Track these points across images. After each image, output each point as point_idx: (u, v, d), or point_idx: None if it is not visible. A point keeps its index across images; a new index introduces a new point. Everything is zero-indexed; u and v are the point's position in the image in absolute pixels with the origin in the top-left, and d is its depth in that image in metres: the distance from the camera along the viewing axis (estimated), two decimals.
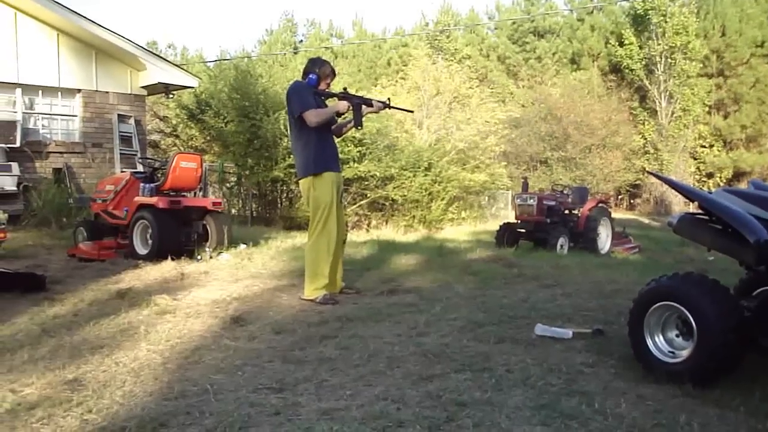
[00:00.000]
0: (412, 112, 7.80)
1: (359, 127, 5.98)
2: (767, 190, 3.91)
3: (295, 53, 40.60)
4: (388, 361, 3.68)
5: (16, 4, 12.46)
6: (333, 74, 5.83)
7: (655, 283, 3.62)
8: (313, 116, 5.49)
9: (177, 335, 4.37)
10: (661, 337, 3.58)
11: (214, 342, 4.19)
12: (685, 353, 3.42)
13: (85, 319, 4.87)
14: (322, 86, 5.72)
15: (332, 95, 5.75)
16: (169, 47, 47.41)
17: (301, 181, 5.75)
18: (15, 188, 11.75)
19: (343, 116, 5.92)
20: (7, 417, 2.98)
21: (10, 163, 11.81)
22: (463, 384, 3.29)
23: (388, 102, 5.93)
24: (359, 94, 6.24)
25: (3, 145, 11.95)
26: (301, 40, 45.98)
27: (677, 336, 3.55)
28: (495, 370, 3.52)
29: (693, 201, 3.84)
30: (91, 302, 5.54)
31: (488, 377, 3.41)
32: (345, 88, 5.85)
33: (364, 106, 5.75)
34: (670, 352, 3.54)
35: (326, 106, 5.83)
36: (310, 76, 5.69)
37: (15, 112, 12.78)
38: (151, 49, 20.12)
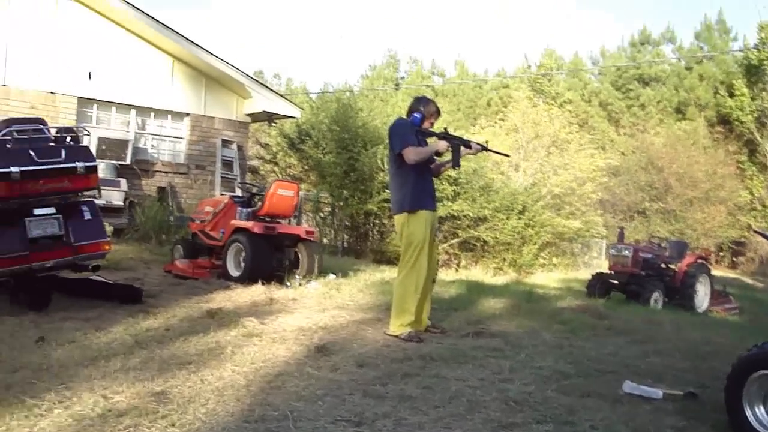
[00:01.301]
0: (508, 156, 7.79)
1: (457, 167, 6.02)
2: None
3: (396, 89, 41.12)
4: (469, 405, 3.63)
5: (137, 31, 13.19)
6: (437, 113, 5.88)
7: (758, 349, 3.44)
8: (412, 154, 5.53)
9: (262, 359, 4.45)
10: (762, 409, 3.39)
11: (297, 369, 4.24)
12: None
13: (175, 335, 5.04)
14: (426, 125, 5.76)
15: (433, 134, 5.78)
16: (275, 77, 48.94)
17: (396, 217, 5.80)
18: (121, 203, 12.34)
19: (441, 155, 5.95)
20: (97, 421, 3.12)
21: (119, 179, 12.43)
22: None
23: (485, 144, 5.95)
24: (458, 133, 6.26)
25: (114, 162, 12.59)
26: (403, 77, 46.55)
27: None
28: (578, 425, 3.41)
29: None
30: (183, 318, 5.73)
31: (571, 431, 3.31)
32: (445, 129, 5.89)
33: (462, 147, 5.77)
34: None
35: (426, 144, 5.88)
36: (415, 114, 5.75)
37: (128, 132, 13.48)
38: (257, 78, 20.87)
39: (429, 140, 5.90)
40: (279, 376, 4.06)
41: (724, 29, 39.16)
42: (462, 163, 14.80)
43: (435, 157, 5.85)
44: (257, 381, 3.96)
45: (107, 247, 6.43)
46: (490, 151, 6.20)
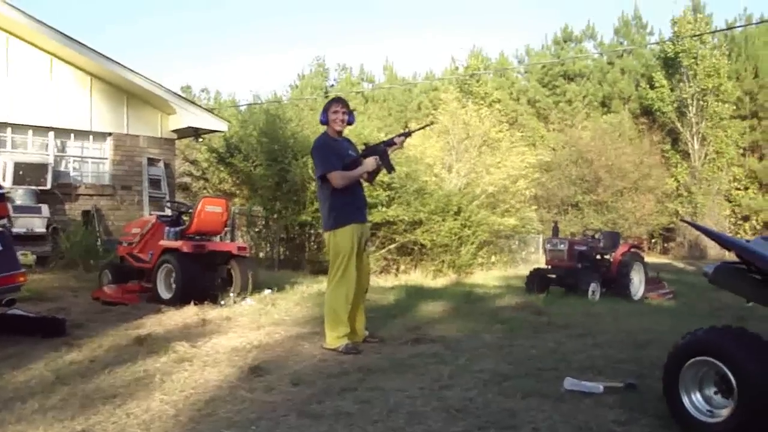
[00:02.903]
0: (431, 124, 7.75)
1: (392, 171, 5.90)
2: None
3: (326, 97, 40.99)
4: (409, 417, 3.51)
5: (53, 51, 12.71)
6: (336, 103, 5.71)
7: (691, 336, 3.41)
8: (339, 179, 5.39)
9: (192, 385, 4.25)
10: (698, 395, 3.36)
11: (229, 393, 4.06)
12: (725, 412, 3.20)
13: (101, 366, 4.78)
14: (333, 118, 5.60)
15: (354, 158, 5.58)
16: (203, 91, 48.28)
17: (325, 233, 5.67)
18: (44, 230, 11.80)
19: (378, 171, 5.81)
20: None
21: (40, 205, 11.90)
22: None
23: (408, 131, 5.88)
24: (389, 137, 6.10)
25: (34, 188, 12.06)
26: (332, 85, 46.44)
27: (716, 393, 3.33)
28: (521, 428, 3.33)
29: (730, 250, 3.65)
30: (109, 348, 5.45)
31: None
32: (365, 144, 5.78)
33: (389, 149, 5.65)
34: (708, 410, 3.31)
35: (356, 151, 5.74)
36: (321, 117, 5.70)
37: (47, 155, 12.94)
38: (182, 94, 20.42)
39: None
40: (210, 402, 3.88)
41: (641, 24, 40.44)
42: (395, 167, 14.68)
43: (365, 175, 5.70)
44: (187, 409, 3.76)
45: (22, 279, 6.07)
46: (414, 131, 6.24)
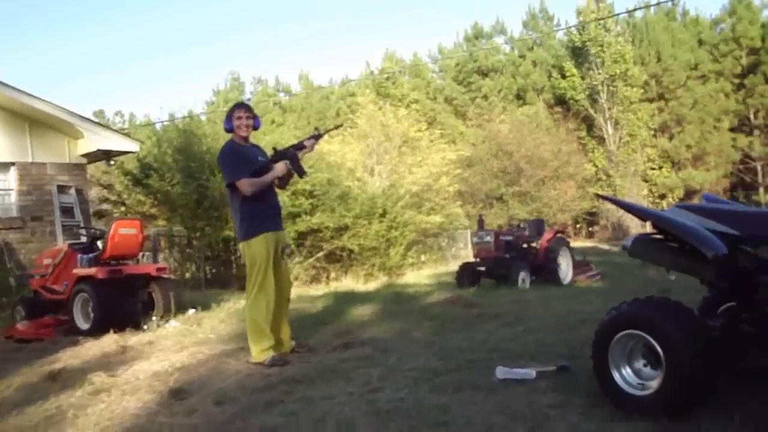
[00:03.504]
0: (341, 125, 7.55)
1: (303, 175, 5.72)
2: (720, 203, 3.74)
3: None
4: (337, 425, 3.36)
5: None
6: (238, 108, 5.54)
7: (615, 311, 3.38)
8: (248, 186, 5.19)
9: (108, 417, 3.99)
10: (628, 369, 3.33)
11: (148, 421, 3.82)
12: (654, 383, 3.17)
13: (9, 408, 4.45)
14: (237, 124, 5.41)
15: (264, 163, 5.40)
16: (117, 115, 47.04)
17: (240, 244, 5.47)
18: None
19: (290, 176, 5.62)
20: None
21: None
22: None
23: (318, 133, 5.65)
24: (299, 140, 5.88)
25: None
26: (249, 98, 45.84)
27: (645, 366, 3.31)
28: (453, 424, 3.22)
29: (646, 221, 3.63)
30: (19, 387, 5.10)
31: None
32: (274, 148, 5.59)
33: (299, 152, 5.48)
34: (639, 383, 3.29)
35: (265, 156, 5.55)
36: (225, 124, 5.51)
37: None
38: (94, 118, 19.70)
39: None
40: None
41: (548, 17, 41.37)
42: (316, 174, 14.36)
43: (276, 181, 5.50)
44: None
45: None
46: (325, 133, 5.93)
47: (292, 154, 5.42)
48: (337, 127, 6.62)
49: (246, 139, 5.48)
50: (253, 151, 5.51)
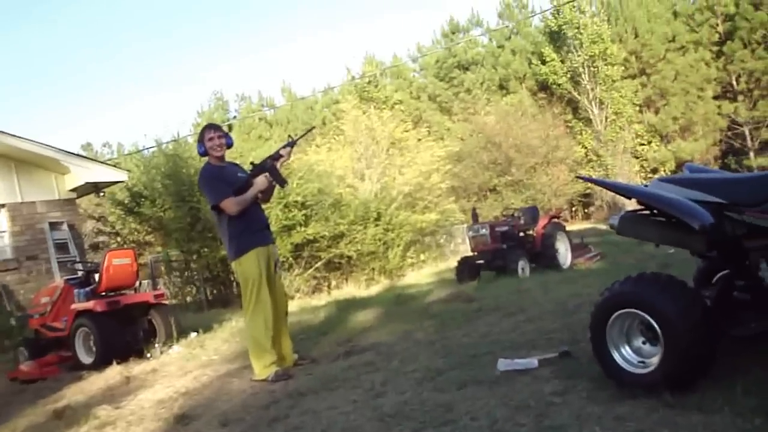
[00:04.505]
0: (313, 128, 7.46)
1: (284, 185, 5.69)
2: (703, 172, 3.74)
3: (230, 130, 40.41)
4: None
5: None
6: (209, 129, 5.53)
7: (609, 291, 3.36)
8: (233, 206, 5.18)
9: None
10: (627, 348, 3.32)
11: None
12: (655, 360, 3.16)
13: None
14: (210, 145, 5.38)
15: (243, 180, 5.35)
16: (105, 146, 46.98)
17: (232, 264, 5.46)
18: None
19: (271, 188, 5.58)
20: None
21: None
22: None
23: (292, 140, 5.54)
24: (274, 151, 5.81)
25: None
26: (235, 116, 45.82)
27: (644, 343, 3.29)
28: (458, 422, 3.20)
29: (630, 198, 3.62)
30: (25, 429, 5.10)
31: (451, 431, 3.08)
32: (252, 162, 5.56)
33: (277, 163, 5.43)
34: (640, 362, 3.27)
35: (245, 172, 5.53)
36: (198, 148, 5.50)
37: None
38: (83, 152, 19.66)
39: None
40: None
41: (522, 5, 41.32)
42: (306, 185, 14.24)
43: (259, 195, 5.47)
44: None
45: None
46: (300, 138, 5.77)
47: (270, 166, 5.38)
48: (309, 131, 6.47)
49: (221, 158, 5.47)
50: (231, 170, 5.49)
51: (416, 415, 3.41)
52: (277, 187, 5.62)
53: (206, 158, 5.54)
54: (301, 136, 5.82)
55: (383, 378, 4.34)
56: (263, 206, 5.64)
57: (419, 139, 23.74)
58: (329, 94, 42.32)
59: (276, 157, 5.42)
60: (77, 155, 14.72)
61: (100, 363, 7.40)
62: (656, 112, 34.87)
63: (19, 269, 12.77)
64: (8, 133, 12.56)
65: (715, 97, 34.29)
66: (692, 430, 2.65)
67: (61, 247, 13.35)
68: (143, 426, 4.40)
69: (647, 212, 3.51)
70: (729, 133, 33.93)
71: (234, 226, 5.23)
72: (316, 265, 15.75)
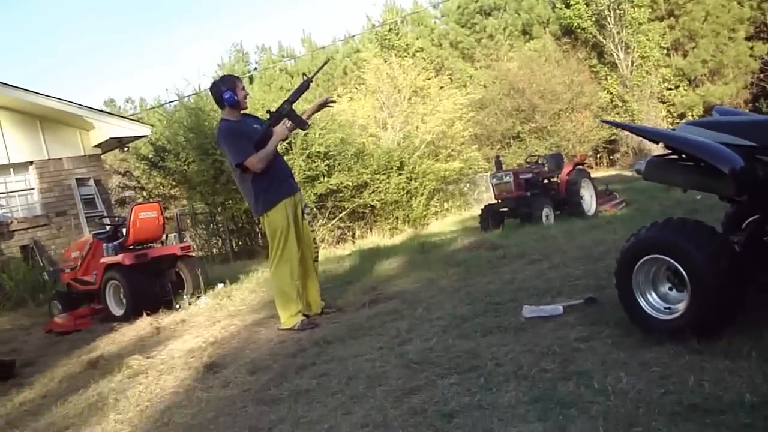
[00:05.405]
0: (328, 61, 7.25)
1: (306, 126, 5.54)
2: (733, 115, 3.65)
3: (251, 82, 40.24)
4: (368, 381, 3.38)
5: None
6: (238, 78, 5.49)
7: (635, 237, 3.33)
8: (258, 162, 5.08)
9: (147, 398, 4.06)
10: (653, 294, 3.30)
11: (185, 397, 3.89)
12: (681, 306, 3.14)
13: (53, 399, 4.57)
14: (242, 95, 5.31)
15: (266, 128, 5.25)
16: (128, 102, 47.05)
17: (258, 217, 5.45)
18: None
19: (291, 133, 5.52)
20: None
21: None
22: (450, 390, 3.00)
23: (307, 77, 5.37)
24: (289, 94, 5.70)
25: None
26: (255, 68, 45.58)
27: (670, 289, 3.28)
28: (483, 368, 3.22)
29: (657, 142, 3.56)
30: (62, 379, 5.23)
31: (476, 377, 3.11)
32: (268, 111, 5.42)
33: (293, 105, 5.35)
34: (666, 308, 3.26)
35: (260, 122, 5.46)
36: (226, 96, 5.24)
37: None
38: (106, 108, 19.68)
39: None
40: (166, 411, 3.70)
41: None
42: (328, 135, 14.10)
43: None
44: (143, 425, 3.59)
45: None
46: (315, 74, 5.60)
47: (287, 111, 5.27)
48: (324, 64, 6.20)
49: (240, 110, 5.39)
50: (248, 122, 5.38)
51: (442, 362, 3.43)
52: (301, 135, 5.56)
53: (223, 111, 5.40)
54: (317, 72, 5.66)
55: (408, 325, 4.37)
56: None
57: (441, 87, 23.44)
58: (350, 43, 41.89)
59: (292, 100, 5.31)
60: (101, 111, 14.80)
61: (131, 314, 7.55)
62: (684, 56, 34.00)
63: (49, 225, 13.01)
64: (33, 91, 12.68)
65: (748, 38, 33.29)
66: (719, 375, 2.64)
67: (89, 203, 13.55)
68: (174, 374, 4.48)
69: (674, 157, 3.45)
70: (761, 75, 33.06)
71: (259, 180, 5.18)
72: (340, 215, 15.81)
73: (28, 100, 12.54)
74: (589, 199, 13.29)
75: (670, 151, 3.45)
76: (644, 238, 3.26)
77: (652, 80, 32.47)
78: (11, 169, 13.03)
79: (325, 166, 14.88)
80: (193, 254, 8.91)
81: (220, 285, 8.49)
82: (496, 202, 13.30)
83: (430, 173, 18.25)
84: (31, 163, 13.13)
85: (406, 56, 27.61)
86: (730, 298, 3.00)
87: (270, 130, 5.23)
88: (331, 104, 5.74)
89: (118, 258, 8.00)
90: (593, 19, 33.39)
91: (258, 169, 5.12)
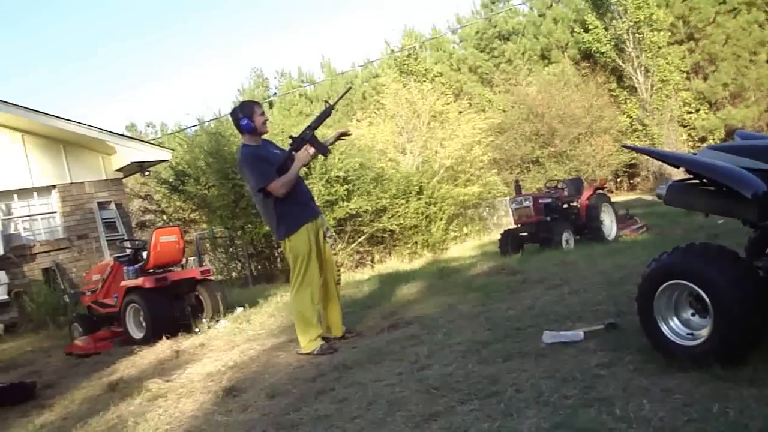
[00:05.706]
0: (349, 89, 7.20)
1: (327, 153, 5.48)
2: (755, 139, 3.62)
3: (271, 107, 40.64)
4: (389, 406, 3.37)
5: None
6: (258, 104, 5.51)
7: (656, 263, 3.30)
8: (280, 187, 5.11)
9: (167, 421, 4.07)
10: (675, 320, 3.27)
11: (205, 421, 3.89)
12: (704, 332, 3.11)
13: (73, 422, 4.58)
14: (259, 122, 5.33)
15: (288, 153, 5.30)
16: (149, 126, 47.64)
17: (280, 242, 5.47)
18: (6, 297, 11.50)
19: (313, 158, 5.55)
20: None
21: None
22: (470, 416, 2.98)
23: (328, 104, 5.36)
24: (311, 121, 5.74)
25: None
26: (275, 93, 46.07)
27: (693, 315, 3.24)
28: (503, 393, 3.20)
29: (678, 166, 3.54)
30: (82, 401, 5.25)
31: (497, 403, 3.09)
32: (291, 136, 5.45)
33: (315, 132, 5.39)
34: (689, 334, 3.22)
35: (278, 148, 5.52)
36: (243, 123, 5.29)
37: None
38: (127, 132, 19.93)
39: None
40: None
41: None
42: (347, 160, 14.19)
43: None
44: None
45: None
46: (337, 102, 5.63)
47: (309, 137, 5.30)
48: (346, 92, 6.22)
49: (260, 136, 5.43)
50: (268, 149, 5.43)
51: (461, 387, 3.41)
52: (320, 160, 5.60)
53: (243, 137, 5.44)
54: (338, 99, 5.70)
55: (428, 350, 4.35)
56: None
57: (460, 112, 23.52)
58: (369, 68, 42.24)
59: (314, 125, 5.35)
60: (123, 136, 15.00)
61: (150, 338, 7.57)
62: (705, 79, 33.87)
63: (70, 248, 13.13)
64: (57, 116, 12.88)
65: None
66: (744, 403, 2.60)
67: (110, 226, 13.66)
68: (193, 398, 4.49)
69: (696, 181, 3.43)
70: None
71: (281, 205, 5.19)
72: (359, 240, 15.83)
73: (52, 125, 12.74)
74: (609, 223, 13.22)
75: (691, 176, 3.44)
76: (666, 264, 3.24)
77: (672, 104, 32.35)
78: (34, 193, 13.20)
79: (345, 190, 14.94)
80: (213, 278, 8.94)
81: (240, 309, 8.50)
82: (515, 226, 13.27)
83: (449, 198, 18.27)
84: (54, 186, 13.29)
85: (425, 81, 27.77)
86: (755, 324, 2.96)
87: (292, 155, 5.27)
88: (344, 137, 5.73)
89: (139, 281, 8.04)
90: (612, 43, 33.43)
91: (281, 193, 5.15)
